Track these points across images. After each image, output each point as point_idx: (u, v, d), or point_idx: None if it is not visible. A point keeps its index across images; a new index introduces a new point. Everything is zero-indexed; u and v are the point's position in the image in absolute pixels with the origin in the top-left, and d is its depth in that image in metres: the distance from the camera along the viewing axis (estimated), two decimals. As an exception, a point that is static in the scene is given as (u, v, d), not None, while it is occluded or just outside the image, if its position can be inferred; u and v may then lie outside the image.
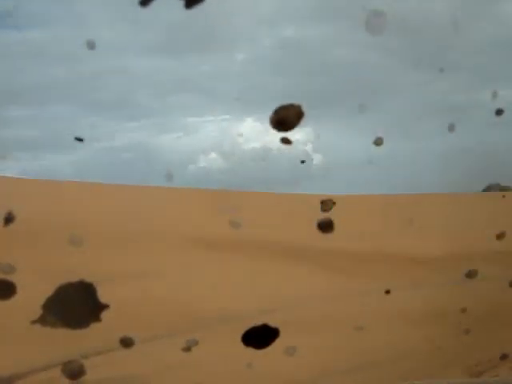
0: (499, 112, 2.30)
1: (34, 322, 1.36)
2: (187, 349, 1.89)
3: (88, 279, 1.37)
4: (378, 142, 1.56)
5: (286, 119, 1.41)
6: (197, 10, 1.77)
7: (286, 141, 1.47)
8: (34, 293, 1.93)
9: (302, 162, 1.76)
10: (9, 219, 1.43)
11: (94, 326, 1.38)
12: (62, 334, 1.47)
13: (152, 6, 1.70)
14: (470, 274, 2.83)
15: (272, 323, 1.55)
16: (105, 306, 1.38)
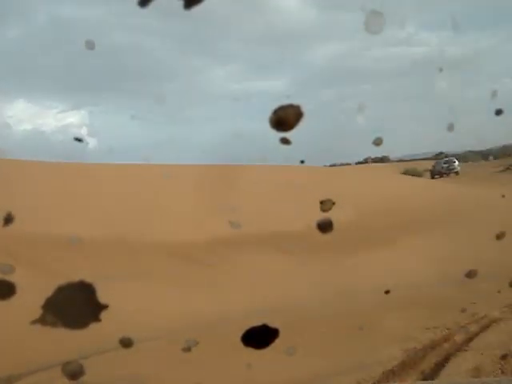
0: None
1: (33, 323, 1.36)
2: (187, 349, 1.89)
3: (88, 279, 1.37)
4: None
5: (285, 119, 1.40)
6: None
7: (285, 141, 1.47)
8: (33, 293, 1.93)
9: (302, 162, 1.76)
10: (8, 219, 1.43)
11: (94, 327, 1.38)
12: (62, 334, 1.46)
13: None
14: (470, 274, 2.82)
15: (272, 323, 1.54)
16: (104, 306, 1.37)
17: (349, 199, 15.65)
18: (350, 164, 30.35)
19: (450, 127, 1.96)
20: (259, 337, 1.51)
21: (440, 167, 44.84)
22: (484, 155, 57.96)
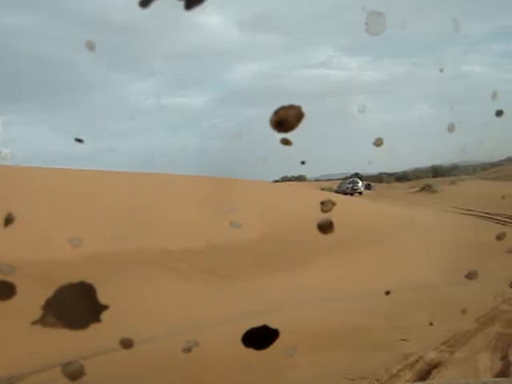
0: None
1: (34, 323, 1.36)
2: (187, 349, 1.89)
3: (88, 280, 1.37)
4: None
5: (286, 120, 1.40)
6: None
7: (286, 142, 1.47)
8: (34, 293, 1.93)
9: (302, 162, 1.76)
10: (9, 220, 1.42)
11: (94, 327, 1.38)
12: (62, 334, 1.46)
13: None
14: (470, 275, 2.83)
15: (272, 324, 1.54)
16: (105, 307, 1.37)
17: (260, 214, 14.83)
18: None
19: (451, 127, 1.96)
20: (259, 338, 1.51)
21: (345, 187, 45.12)
22: (398, 177, 60.65)
